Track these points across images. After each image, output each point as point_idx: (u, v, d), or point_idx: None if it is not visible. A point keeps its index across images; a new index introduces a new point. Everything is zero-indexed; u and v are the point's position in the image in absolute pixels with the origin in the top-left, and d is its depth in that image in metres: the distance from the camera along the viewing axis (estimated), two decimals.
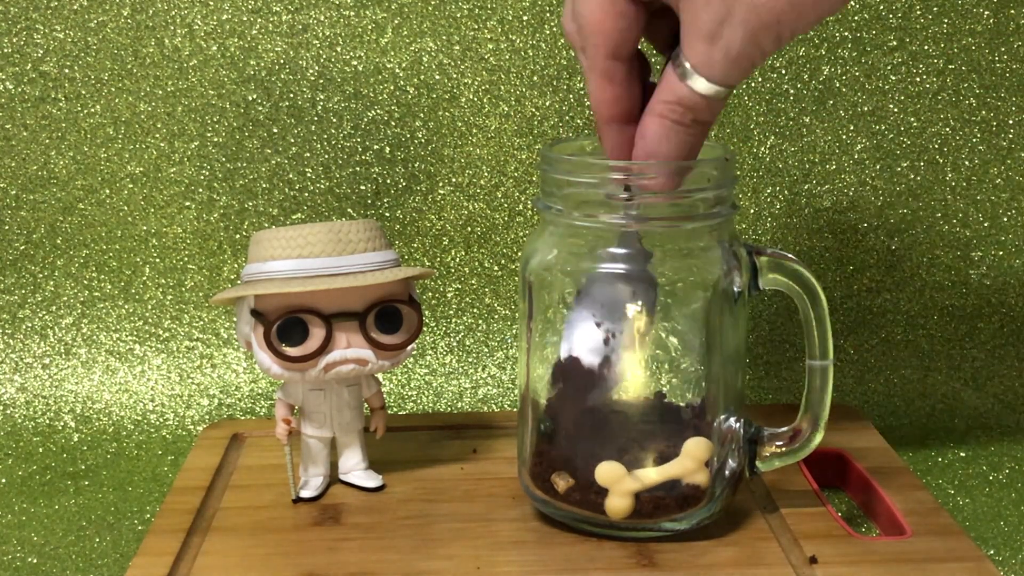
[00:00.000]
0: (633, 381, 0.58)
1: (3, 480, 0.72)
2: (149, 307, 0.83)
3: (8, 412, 0.80)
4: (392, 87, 0.81)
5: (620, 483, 0.55)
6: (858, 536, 0.57)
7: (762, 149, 0.82)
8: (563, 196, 0.55)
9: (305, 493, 0.62)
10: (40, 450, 0.77)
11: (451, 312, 0.83)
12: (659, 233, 0.55)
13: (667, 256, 0.55)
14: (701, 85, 0.49)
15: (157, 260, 0.82)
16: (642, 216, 0.54)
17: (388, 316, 0.60)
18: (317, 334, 0.58)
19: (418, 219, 0.82)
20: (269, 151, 0.81)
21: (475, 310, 0.83)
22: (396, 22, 0.80)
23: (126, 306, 0.83)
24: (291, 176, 0.81)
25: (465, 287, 0.83)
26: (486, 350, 0.83)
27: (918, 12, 0.81)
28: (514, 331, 0.83)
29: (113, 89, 0.80)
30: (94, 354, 0.82)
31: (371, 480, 0.63)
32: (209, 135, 0.81)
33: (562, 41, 0.80)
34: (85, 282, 0.82)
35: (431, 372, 0.83)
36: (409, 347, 0.60)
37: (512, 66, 0.81)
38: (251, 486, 0.63)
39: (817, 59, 0.81)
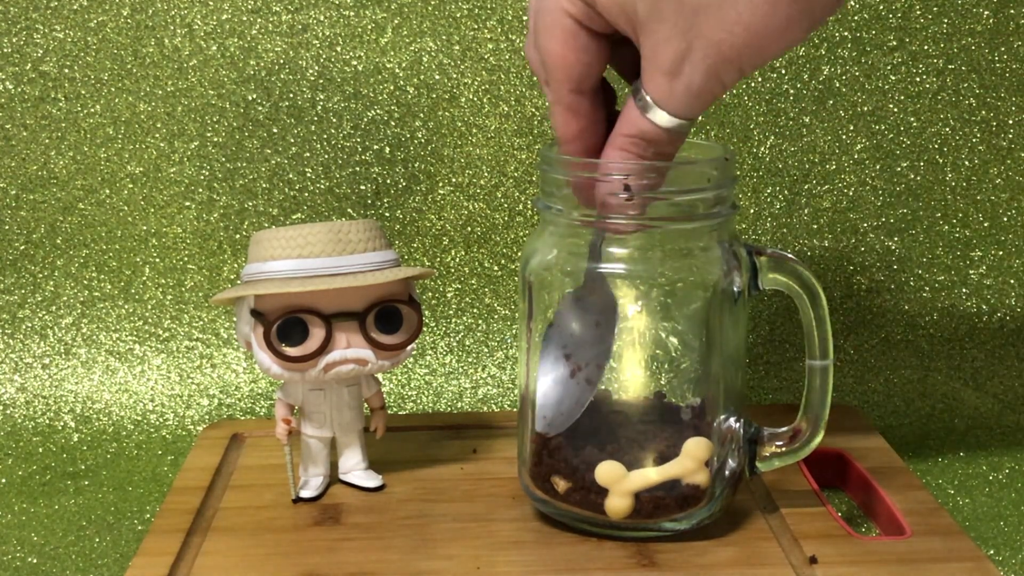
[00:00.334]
0: (633, 381, 0.58)
1: (3, 480, 0.72)
2: (149, 307, 0.83)
3: (8, 412, 0.80)
4: (392, 87, 0.81)
5: (620, 483, 0.55)
6: (858, 536, 0.57)
7: (762, 149, 0.82)
8: (563, 196, 0.55)
9: (305, 493, 0.62)
10: (40, 450, 0.77)
11: (451, 312, 0.83)
12: (659, 233, 0.55)
13: (667, 256, 0.55)
14: (662, 118, 0.49)
15: (157, 260, 0.82)
16: (642, 216, 0.54)
17: (388, 316, 0.60)
18: (317, 334, 0.58)
19: (418, 219, 0.82)
20: (269, 151, 0.81)
21: (475, 310, 0.83)
22: (396, 22, 0.80)
23: (126, 306, 0.83)
24: (291, 176, 0.81)
25: (465, 287, 0.83)
26: (486, 350, 0.83)
27: (918, 12, 0.81)
28: (514, 331, 0.83)
29: (113, 89, 0.80)
30: (94, 354, 0.82)
31: (371, 480, 0.63)
32: (209, 135, 0.81)
33: None
34: (85, 282, 0.82)
35: (431, 372, 0.83)
36: (409, 347, 0.60)
37: (512, 66, 0.81)
38: (251, 486, 0.63)
39: (817, 59, 0.81)
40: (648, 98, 0.49)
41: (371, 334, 0.59)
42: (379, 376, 0.64)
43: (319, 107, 0.81)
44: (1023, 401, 0.82)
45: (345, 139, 0.81)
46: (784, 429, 0.58)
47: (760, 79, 0.81)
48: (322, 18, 0.80)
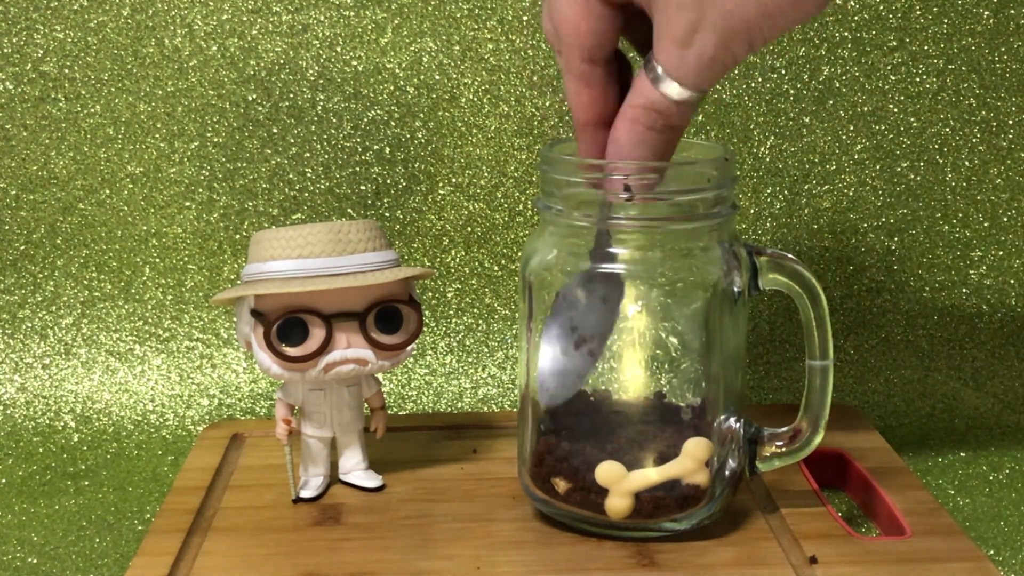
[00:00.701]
0: (633, 381, 0.58)
1: (3, 480, 0.72)
2: (149, 307, 0.83)
3: (8, 412, 0.80)
4: (392, 87, 0.81)
5: (620, 483, 0.55)
6: (858, 536, 0.57)
7: (762, 149, 0.82)
8: (563, 196, 0.55)
9: (305, 493, 0.62)
10: (40, 450, 0.77)
11: (451, 312, 0.83)
12: (659, 233, 0.55)
13: (667, 256, 0.55)
14: (673, 90, 0.49)
15: (157, 260, 0.82)
16: (643, 216, 0.54)
17: (388, 316, 0.60)
18: (317, 334, 0.58)
19: (418, 219, 0.82)
20: (269, 151, 0.81)
21: (475, 310, 0.83)
22: (396, 22, 0.80)
23: (126, 306, 0.83)
24: (291, 176, 0.81)
25: (465, 287, 0.83)
26: (486, 350, 0.83)
27: (918, 12, 0.81)
28: (514, 331, 0.83)
29: (113, 89, 0.80)
30: (94, 354, 0.82)
31: (371, 480, 0.63)
32: (209, 135, 0.81)
33: None
34: (85, 282, 0.82)
35: (431, 372, 0.83)
36: (409, 347, 0.60)
37: (512, 66, 0.81)
38: (251, 486, 0.63)
39: (817, 59, 0.81)
40: (659, 68, 0.49)
41: (371, 334, 0.59)
42: (379, 376, 0.64)
43: (319, 107, 0.81)
44: (1023, 401, 0.82)
45: (345, 139, 0.81)
46: (784, 429, 0.58)
47: (760, 79, 0.81)
48: (322, 18, 0.80)
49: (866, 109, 0.82)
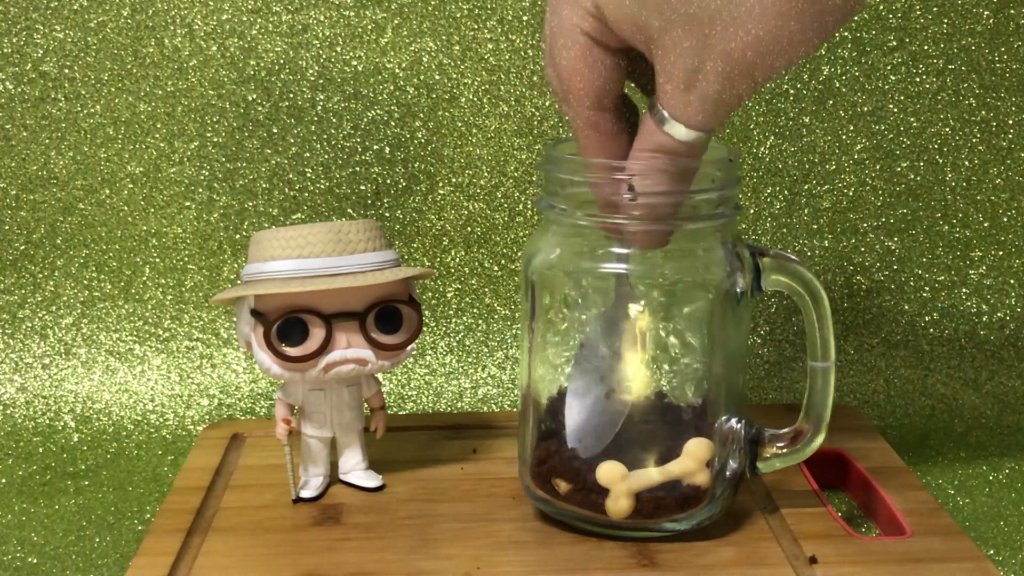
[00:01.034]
0: (634, 381, 0.58)
1: (3, 480, 0.72)
2: (149, 307, 0.83)
3: (8, 412, 0.80)
4: (392, 87, 0.81)
5: (621, 483, 0.55)
6: (858, 536, 0.57)
7: (762, 149, 0.82)
8: (566, 196, 0.55)
9: (305, 493, 0.62)
10: (40, 450, 0.77)
11: (451, 312, 0.83)
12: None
13: (670, 257, 0.55)
14: (680, 132, 0.49)
15: (157, 260, 0.82)
16: (644, 216, 0.54)
17: (388, 316, 0.60)
18: (317, 334, 0.58)
19: (418, 219, 0.82)
20: (269, 151, 0.81)
21: (475, 310, 0.83)
22: (396, 22, 0.80)
23: (126, 306, 0.83)
24: (291, 176, 0.81)
25: (465, 287, 0.83)
26: (486, 350, 0.83)
27: (918, 12, 0.81)
28: (514, 331, 0.83)
29: (113, 89, 0.80)
30: (94, 354, 0.82)
31: (371, 480, 0.63)
32: (209, 135, 0.81)
33: None
34: (85, 282, 0.82)
35: (431, 372, 0.83)
36: (409, 347, 0.60)
37: (512, 66, 0.81)
38: (251, 486, 0.63)
39: (817, 59, 0.81)
40: (664, 112, 0.49)
41: (371, 334, 0.59)
42: (379, 376, 0.64)
43: (319, 107, 0.81)
44: (1023, 401, 0.82)
45: (345, 139, 0.81)
46: (786, 430, 0.58)
47: None
48: (322, 18, 0.80)
49: (866, 109, 0.82)
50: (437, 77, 0.81)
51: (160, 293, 0.83)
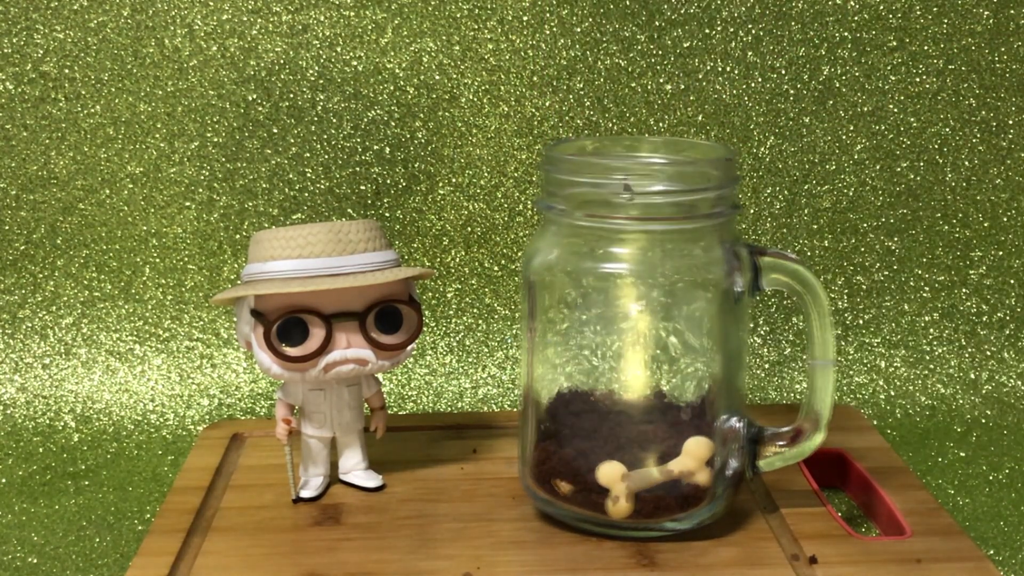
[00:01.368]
0: (634, 381, 0.58)
1: (3, 480, 0.72)
2: (149, 307, 0.83)
3: (8, 412, 0.80)
4: (392, 87, 0.81)
5: (621, 483, 0.55)
6: (858, 536, 0.57)
7: (762, 149, 0.82)
8: (566, 196, 0.55)
9: (305, 493, 0.62)
10: (40, 450, 0.77)
11: (451, 312, 0.83)
12: (661, 233, 0.55)
13: (669, 256, 0.55)
14: None
15: (157, 260, 0.82)
16: (644, 215, 0.54)
17: (388, 316, 0.60)
18: (317, 334, 0.58)
19: (418, 219, 0.82)
20: (269, 151, 0.81)
21: (475, 310, 0.83)
22: (396, 22, 0.80)
23: (126, 306, 0.83)
24: (291, 176, 0.81)
25: (465, 287, 0.83)
26: (486, 350, 0.83)
27: (918, 12, 0.81)
28: (514, 331, 0.83)
29: (113, 89, 0.80)
30: (94, 354, 0.82)
31: (371, 480, 0.63)
32: (209, 135, 0.81)
33: (562, 41, 0.80)
34: (85, 282, 0.82)
35: (431, 372, 0.83)
36: (409, 347, 0.60)
37: (512, 66, 0.81)
38: (251, 486, 0.63)
39: (817, 59, 0.81)
40: None
41: (371, 334, 0.59)
42: (379, 376, 0.64)
43: (319, 107, 0.81)
44: (1023, 401, 0.82)
45: (345, 139, 0.81)
46: (786, 429, 0.58)
47: (760, 79, 0.81)
48: (322, 18, 0.80)
49: (866, 109, 0.82)
50: (437, 77, 0.81)
51: (160, 293, 0.83)
